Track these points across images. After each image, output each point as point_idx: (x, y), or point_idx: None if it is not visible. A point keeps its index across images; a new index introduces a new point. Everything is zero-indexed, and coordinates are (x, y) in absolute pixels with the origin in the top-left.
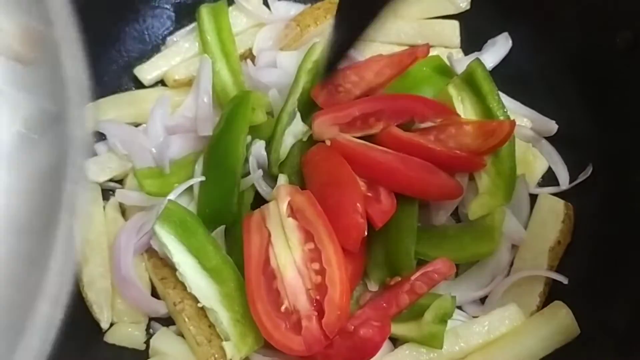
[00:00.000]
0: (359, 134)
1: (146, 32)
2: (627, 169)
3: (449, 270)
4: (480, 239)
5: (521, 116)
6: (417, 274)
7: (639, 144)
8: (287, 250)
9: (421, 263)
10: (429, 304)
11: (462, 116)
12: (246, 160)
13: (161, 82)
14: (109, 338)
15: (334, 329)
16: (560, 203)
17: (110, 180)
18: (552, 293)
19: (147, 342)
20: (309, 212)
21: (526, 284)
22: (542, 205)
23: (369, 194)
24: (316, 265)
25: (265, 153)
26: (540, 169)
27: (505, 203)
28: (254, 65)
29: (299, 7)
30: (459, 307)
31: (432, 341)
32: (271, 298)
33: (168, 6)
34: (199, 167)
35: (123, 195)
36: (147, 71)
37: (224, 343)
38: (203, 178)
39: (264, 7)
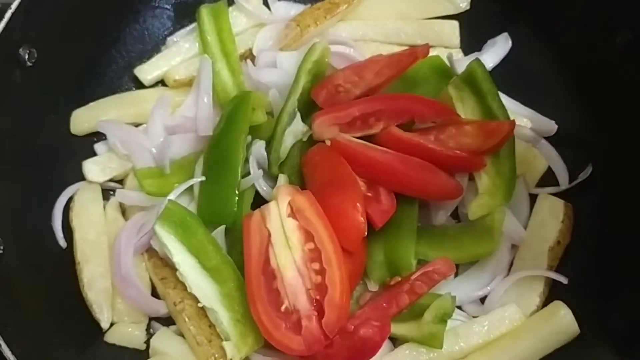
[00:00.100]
0: (359, 134)
1: (146, 32)
2: (627, 169)
3: (449, 270)
4: (480, 239)
5: (521, 116)
6: (417, 274)
7: (639, 144)
8: (287, 250)
9: (421, 263)
10: (429, 304)
11: (462, 116)
12: (246, 160)
13: (161, 82)
14: (109, 338)
15: (334, 329)
16: (559, 203)
17: (111, 180)
18: (552, 293)
19: (147, 342)
20: (309, 212)
21: (526, 284)
22: (542, 205)
23: (369, 194)
24: (316, 265)
25: (265, 153)
26: (539, 169)
27: (505, 203)
28: (254, 65)
29: (299, 7)
30: (459, 307)
31: (432, 341)
32: (271, 298)
33: (168, 6)
34: (199, 167)
35: (123, 195)
36: (147, 71)
37: (224, 343)
38: (203, 178)
39: (264, 7)
